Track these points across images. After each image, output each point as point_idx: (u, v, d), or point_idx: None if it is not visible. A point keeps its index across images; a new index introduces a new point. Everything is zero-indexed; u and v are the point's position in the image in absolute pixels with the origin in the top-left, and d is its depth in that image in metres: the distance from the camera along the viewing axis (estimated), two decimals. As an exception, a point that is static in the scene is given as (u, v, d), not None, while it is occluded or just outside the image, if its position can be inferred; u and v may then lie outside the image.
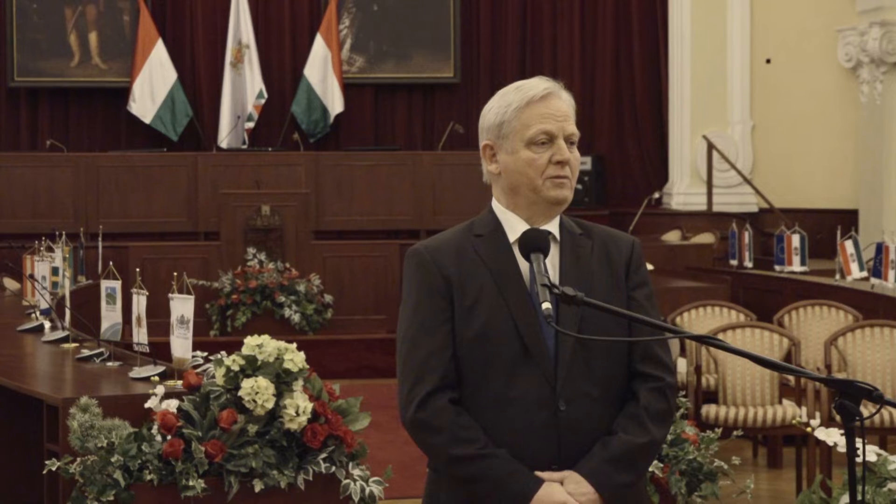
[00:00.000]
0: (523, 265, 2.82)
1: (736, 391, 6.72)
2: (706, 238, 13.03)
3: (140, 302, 5.34)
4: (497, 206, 2.91)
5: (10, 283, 9.55)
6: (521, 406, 2.78)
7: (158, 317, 6.10)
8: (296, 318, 10.90)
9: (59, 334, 6.42)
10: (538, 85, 2.86)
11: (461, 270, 2.84)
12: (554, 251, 2.85)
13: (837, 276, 9.60)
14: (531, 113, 2.83)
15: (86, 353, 5.79)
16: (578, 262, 2.87)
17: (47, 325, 6.71)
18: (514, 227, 2.86)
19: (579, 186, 13.63)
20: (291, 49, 14.67)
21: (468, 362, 2.81)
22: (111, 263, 6.21)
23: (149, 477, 4.41)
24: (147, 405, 4.58)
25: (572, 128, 2.86)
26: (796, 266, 10.39)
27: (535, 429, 2.77)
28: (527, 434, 2.77)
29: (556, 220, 2.89)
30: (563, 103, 2.87)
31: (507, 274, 2.83)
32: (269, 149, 13.59)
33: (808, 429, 5.34)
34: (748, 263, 11.01)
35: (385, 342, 10.55)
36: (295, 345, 4.61)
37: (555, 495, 2.74)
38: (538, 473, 2.76)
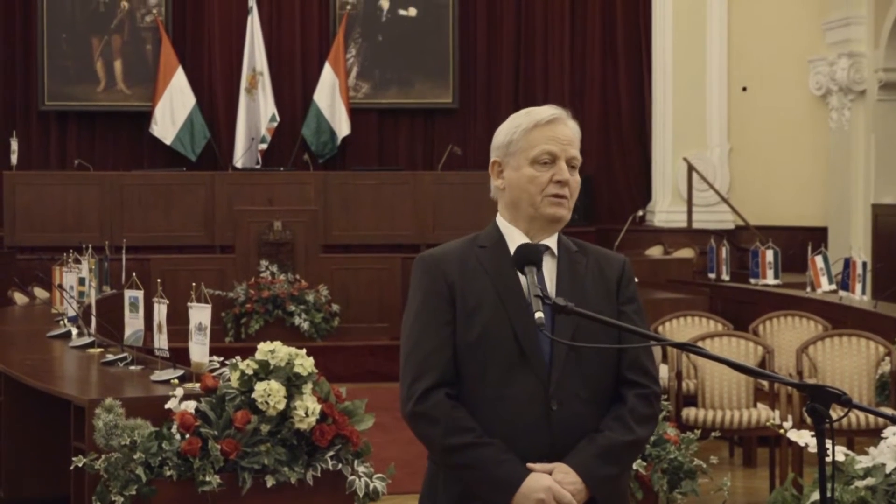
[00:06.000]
0: (523, 276, 2.83)
1: (714, 395, 6.71)
2: (686, 253, 13.03)
3: (161, 310, 5.34)
4: (501, 221, 2.92)
5: (41, 293, 9.55)
6: (517, 404, 2.77)
7: (178, 324, 6.09)
8: (305, 325, 10.88)
9: (86, 340, 6.42)
10: (547, 111, 2.88)
11: (464, 278, 2.84)
12: (552, 265, 2.86)
13: (808, 289, 9.60)
14: (537, 135, 2.85)
15: (110, 357, 5.79)
16: (574, 276, 2.87)
17: (74, 331, 6.71)
18: (516, 240, 2.86)
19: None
20: (302, 76, 14.69)
21: (468, 362, 2.81)
22: (134, 274, 6.22)
23: (168, 473, 4.41)
24: (167, 406, 4.58)
25: (574, 152, 2.87)
26: (770, 279, 10.39)
27: (528, 425, 2.77)
28: (521, 429, 2.77)
29: (555, 237, 2.90)
30: (568, 129, 2.88)
31: (508, 283, 2.83)
32: (281, 168, 13.61)
33: (781, 430, 5.35)
34: (725, 276, 11.02)
35: (388, 348, 10.53)
36: (304, 350, 4.62)
37: (542, 482, 2.72)
38: (529, 465, 2.75)
